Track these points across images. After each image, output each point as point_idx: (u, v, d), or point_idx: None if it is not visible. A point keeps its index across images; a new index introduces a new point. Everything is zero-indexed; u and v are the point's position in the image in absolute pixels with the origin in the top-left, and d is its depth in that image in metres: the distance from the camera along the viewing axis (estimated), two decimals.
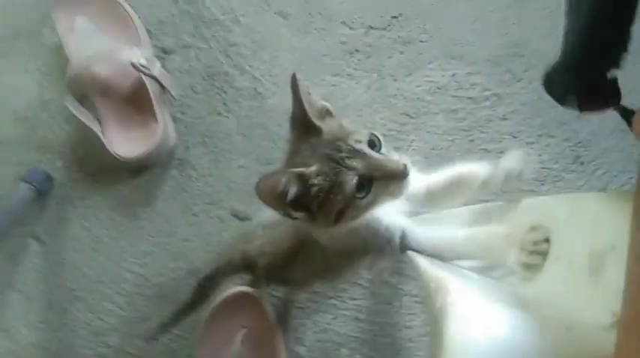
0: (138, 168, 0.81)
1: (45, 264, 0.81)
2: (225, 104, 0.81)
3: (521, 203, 0.48)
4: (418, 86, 0.78)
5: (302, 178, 0.38)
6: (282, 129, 0.78)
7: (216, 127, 0.80)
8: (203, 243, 0.78)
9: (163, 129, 0.76)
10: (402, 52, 0.80)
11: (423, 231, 0.46)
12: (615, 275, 0.30)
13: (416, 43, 0.79)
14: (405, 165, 0.39)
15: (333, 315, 0.74)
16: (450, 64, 0.78)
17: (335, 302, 0.74)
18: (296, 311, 0.75)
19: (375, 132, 0.41)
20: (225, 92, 0.81)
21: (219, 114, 0.81)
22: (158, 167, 0.80)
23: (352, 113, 0.79)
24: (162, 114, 0.77)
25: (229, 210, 0.78)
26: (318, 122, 0.39)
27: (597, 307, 0.31)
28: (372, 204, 0.39)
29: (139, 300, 0.79)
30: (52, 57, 0.86)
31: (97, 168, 0.82)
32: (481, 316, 0.34)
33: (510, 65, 0.77)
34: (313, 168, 0.38)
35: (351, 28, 0.81)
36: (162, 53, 0.84)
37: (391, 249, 0.45)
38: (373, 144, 0.40)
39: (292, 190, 0.38)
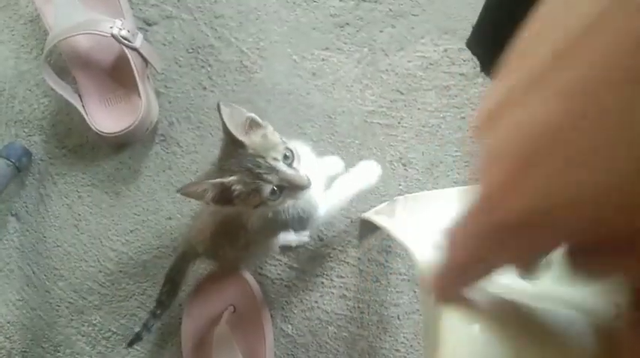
0: (120, 144, 0.79)
1: (24, 242, 0.80)
2: (210, 78, 0.79)
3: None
4: (410, 61, 0.77)
5: (222, 185, 0.48)
6: (271, 105, 0.77)
7: (201, 102, 0.79)
8: (187, 221, 0.77)
9: (146, 103, 0.74)
10: (393, 26, 0.78)
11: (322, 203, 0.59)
12: None
13: (408, 16, 0.77)
14: (308, 179, 0.50)
15: (320, 293, 0.74)
16: (443, 39, 0.77)
17: (322, 280, 0.74)
18: (283, 289, 0.74)
19: (289, 147, 0.50)
20: (210, 66, 0.79)
21: (205, 88, 0.79)
22: (141, 143, 0.79)
23: (342, 88, 0.77)
24: (145, 88, 0.75)
25: None
26: (242, 138, 0.48)
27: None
28: (281, 203, 0.50)
29: (122, 278, 0.78)
30: (29, 28, 0.83)
31: (77, 143, 0.81)
32: (481, 312, 0.33)
33: None
34: (234, 178, 0.48)
35: (341, 0, 0.79)
36: (145, 25, 0.81)
37: (309, 222, 0.58)
38: (287, 157, 0.49)
39: (209, 195, 0.48)
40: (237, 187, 0.48)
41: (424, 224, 0.58)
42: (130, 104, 0.75)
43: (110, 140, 0.76)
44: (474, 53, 0.53)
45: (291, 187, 0.49)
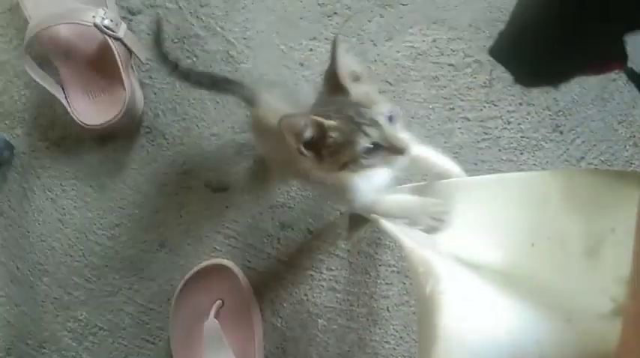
0: (105, 137, 0.79)
1: (7, 237, 0.80)
2: (196, 68, 0.79)
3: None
4: (398, 52, 0.78)
5: (321, 127, 0.45)
6: None
7: (187, 93, 0.79)
8: (174, 214, 0.78)
9: (131, 95, 0.74)
10: (381, 16, 0.79)
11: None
12: (615, 260, 0.29)
13: (396, 6, 0.78)
14: (408, 146, 0.46)
15: (309, 286, 0.75)
16: (432, 29, 0.78)
17: (311, 273, 0.75)
18: (272, 283, 0.75)
19: (397, 108, 0.47)
20: (196, 56, 0.80)
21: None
22: (126, 135, 0.79)
23: None
24: (129, 79, 0.75)
25: (202, 181, 0.77)
26: (347, 84, 0.45)
27: (596, 292, 0.31)
28: (371, 165, 0.47)
29: (108, 273, 0.78)
30: (7, 17, 0.83)
31: (60, 136, 0.80)
32: (475, 307, 0.33)
33: (493, 31, 0.77)
34: (333, 123, 0.45)
35: None
36: (129, 14, 0.81)
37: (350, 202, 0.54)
38: (391, 118, 0.46)
39: (307, 133, 0.45)
40: (334, 134, 0.45)
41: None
42: (113, 95, 0.75)
43: (94, 132, 0.77)
44: (499, 61, 0.50)
45: (390, 149, 0.45)
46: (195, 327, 0.71)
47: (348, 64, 0.47)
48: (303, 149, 0.46)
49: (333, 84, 0.46)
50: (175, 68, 0.67)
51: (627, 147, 0.75)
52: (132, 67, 0.78)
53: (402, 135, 0.46)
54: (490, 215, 0.47)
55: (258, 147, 0.74)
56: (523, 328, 0.31)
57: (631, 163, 0.75)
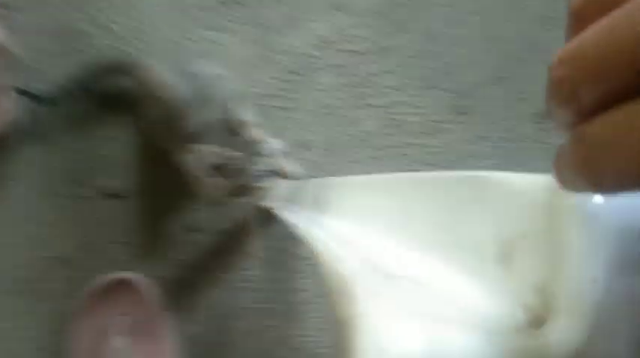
0: None
1: None
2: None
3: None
4: (301, 40, 0.77)
5: (221, 158, 0.57)
6: None
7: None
8: (69, 227, 0.72)
9: (6, 102, 0.67)
10: (284, 3, 0.77)
11: None
12: (528, 266, 0.30)
13: None
14: (289, 171, 0.60)
15: (224, 289, 0.72)
16: (334, 15, 0.77)
17: (225, 275, 0.72)
18: (184, 290, 0.72)
19: (274, 143, 0.60)
20: (83, 52, 0.74)
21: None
22: (5, 146, 0.72)
23: (233, 71, 0.75)
24: (3, 84, 0.68)
25: (97, 188, 0.72)
26: (237, 128, 0.59)
27: (511, 301, 0.31)
28: (261, 189, 0.58)
29: (4, 300, 0.71)
30: None
31: None
32: (394, 329, 0.32)
33: (395, 16, 0.78)
34: (229, 154, 0.57)
35: None
36: (1, 8, 0.74)
37: None
38: (272, 151, 0.60)
39: (210, 159, 0.58)
40: (231, 162, 0.57)
41: (328, 211, 0.58)
42: None
43: None
44: None
45: (275, 173, 0.58)
46: (101, 347, 0.66)
47: (236, 114, 0.59)
48: (205, 175, 0.57)
49: (227, 129, 0.58)
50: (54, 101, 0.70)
51: (527, 124, 0.78)
52: (9, 71, 0.71)
53: (284, 163, 0.59)
54: (402, 215, 0.46)
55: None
56: (445, 350, 0.30)
57: (531, 138, 0.78)
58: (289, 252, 0.73)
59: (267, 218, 0.72)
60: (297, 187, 0.67)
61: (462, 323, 0.33)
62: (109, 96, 0.74)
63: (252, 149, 0.58)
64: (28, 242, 0.72)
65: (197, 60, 0.67)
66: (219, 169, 0.58)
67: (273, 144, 0.61)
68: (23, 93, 0.70)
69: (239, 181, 0.58)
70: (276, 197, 0.67)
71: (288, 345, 0.72)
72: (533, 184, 0.36)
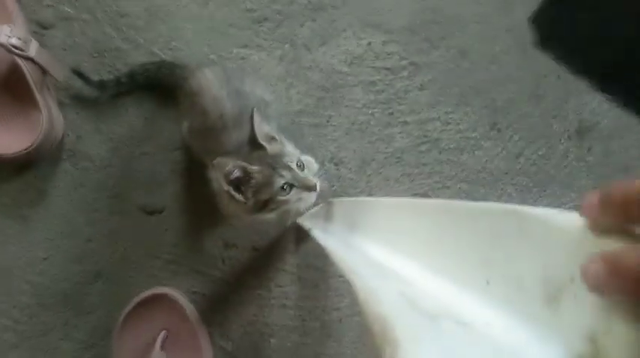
0: (23, 164, 0.73)
1: None
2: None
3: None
4: (333, 57, 0.77)
5: (245, 171, 0.56)
6: None
7: (112, 111, 0.74)
8: (108, 242, 0.73)
9: (48, 118, 0.69)
10: (314, 20, 0.77)
11: None
12: (577, 312, 0.28)
13: (328, 9, 0.77)
14: (315, 184, 0.59)
15: (258, 305, 0.73)
16: (365, 32, 0.77)
17: (260, 291, 0.73)
18: (220, 305, 0.73)
19: (301, 158, 0.60)
20: (118, 70, 0.75)
21: (114, 96, 0.75)
22: (47, 161, 0.74)
23: (266, 88, 0.76)
24: (45, 100, 0.70)
25: (135, 204, 0.74)
26: (264, 143, 0.58)
27: (560, 348, 0.29)
28: (286, 203, 0.58)
29: (40, 311, 0.73)
30: None
31: None
32: None
33: (427, 33, 0.77)
34: (256, 168, 0.56)
35: None
36: (40, 28, 0.75)
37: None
38: (299, 166, 0.59)
39: (235, 173, 0.56)
40: (256, 176, 0.56)
41: (362, 232, 0.57)
42: (29, 120, 0.70)
43: (10, 160, 0.71)
44: (536, 25, 0.53)
45: (300, 187, 0.58)
46: None
47: (263, 129, 0.59)
48: (231, 189, 0.56)
49: (253, 145, 0.58)
50: (103, 86, 0.72)
51: (562, 140, 0.77)
52: (47, 87, 0.72)
53: (310, 176, 0.59)
54: (439, 245, 0.44)
55: (185, 132, 0.70)
56: None
57: (567, 156, 0.78)
58: (324, 270, 0.73)
59: (302, 236, 0.73)
60: (329, 205, 0.68)
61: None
62: (150, 103, 0.75)
63: (276, 163, 0.57)
64: (67, 256, 0.74)
65: (246, 78, 0.67)
66: (244, 184, 0.56)
67: (301, 158, 0.61)
68: (77, 73, 0.72)
69: (264, 195, 0.57)
70: (309, 215, 0.68)
71: None
72: (579, 224, 0.33)
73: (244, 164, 0.56)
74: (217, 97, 0.62)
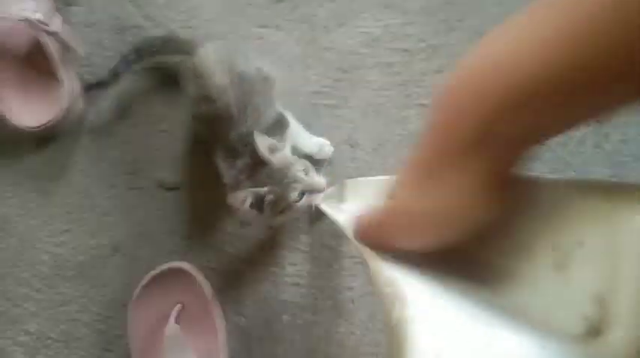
0: (45, 138, 0.75)
1: None
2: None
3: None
4: (351, 38, 0.77)
5: (259, 195, 0.60)
6: None
7: (131, 87, 0.76)
8: (126, 217, 0.75)
9: (70, 92, 0.71)
10: (332, 1, 0.78)
11: None
12: (586, 276, 0.29)
13: None
14: (323, 184, 0.64)
15: (272, 283, 0.75)
16: (384, 13, 0.77)
17: (274, 269, 0.75)
18: (234, 281, 0.75)
19: (307, 163, 0.64)
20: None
21: (135, 72, 0.76)
22: (68, 135, 0.76)
23: (283, 68, 0.77)
24: (67, 75, 0.71)
25: (153, 180, 0.75)
26: (269, 158, 0.60)
27: (568, 311, 0.30)
28: (302, 206, 0.63)
29: (58, 282, 0.76)
30: None
31: None
32: (448, 332, 0.31)
33: (445, 14, 0.78)
34: (267, 189, 0.60)
35: None
36: (63, 5, 0.77)
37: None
38: (304, 170, 0.63)
39: (249, 201, 0.60)
40: (269, 196, 0.60)
41: None
42: (51, 94, 0.72)
43: (32, 134, 0.73)
44: None
45: (312, 192, 0.63)
46: (156, 333, 0.69)
47: (265, 143, 0.61)
48: (251, 214, 0.61)
49: (262, 159, 0.60)
50: (116, 74, 0.73)
51: (585, 129, 0.77)
52: (69, 62, 0.74)
53: (316, 178, 0.63)
54: None
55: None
56: (500, 354, 0.30)
57: (584, 142, 0.77)
58: (337, 250, 0.74)
59: (317, 215, 0.74)
60: (343, 186, 0.69)
61: (517, 330, 0.32)
62: (164, 72, 0.76)
63: (285, 176, 0.60)
64: (86, 230, 0.76)
65: (249, 54, 0.68)
66: (256, 206, 0.60)
67: (305, 165, 0.64)
68: (90, 88, 0.73)
69: (280, 207, 0.61)
70: (324, 195, 0.69)
71: (333, 341, 0.74)
72: (591, 190, 0.34)
73: (254, 190, 0.60)
74: (221, 85, 0.62)
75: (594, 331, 0.29)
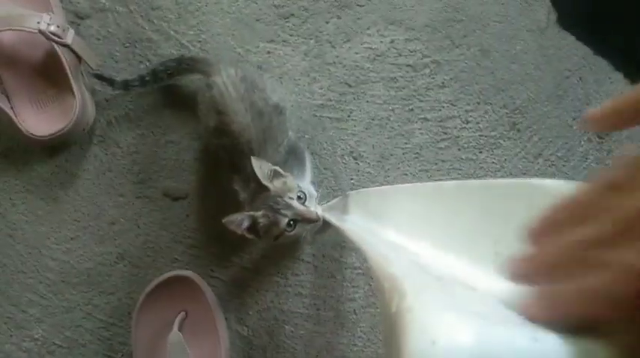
0: (55, 147, 0.77)
1: None
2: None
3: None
4: (357, 53, 0.79)
5: (253, 218, 0.62)
6: None
7: (140, 100, 0.78)
8: (132, 225, 0.77)
9: (81, 103, 0.73)
10: (339, 17, 0.80)
11: None
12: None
13: (353, 7, 0.79)
14: (317, 214, 0.63)
15: (275, 293, 0.76)
16: (389, 29, 0.80)
17: (277, 279, 0.76)
18: (237, 291, 0.76)
19: (303, 190, 0.64)
20: (149, 61, 0.79)
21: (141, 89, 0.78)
22: (78, 145, 0.78)
23: (289, 82, 0.79)
24: (79, 86, 0.74)
25: (160, 189, 0.77)
26: (267, 183, 0.62)
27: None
28: (295, 234, 0.64)
29: (64, 288, 0.77)
30: None
31: (8, 147, 0.78)
32: (444, 323, 0.32)
33: (449, 31, 0.80)
34: (260, 213, 0.62)
35: None
36: (77, 18, 0.80)
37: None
38: (300, 197, 0.63)
39: (245, 223, 0.62)
40: (262, 220, 0.62)
41: (378, 220, 0.60)
42: (63, 104, 0.74)
43: (44, 143, 0.75)
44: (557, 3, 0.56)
45: (303, 220, 0.63)
46: (159, 341, 0.70)
47: (264, 170, 0.62)
48: (245, 233, 0.62)
49: (259, 183, 0.62)
50: (127, 86, 0.75)
51: (582, 142, 0.78)
52: (82, 74, 0.77)
53: (310, 208, 0.63)
54: (451, 223, 0.47)
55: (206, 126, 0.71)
56: (494, 346, 0.31)
57: (586, 158, 0.79)
58: (340, 261, 0.75)
59: (320, 227, 0.75)
60: (346, 197, 0.70)
61: (510, 322, 0.33)
62: (175, 90, 0.78)
63: (278, 203, 0.61)
64: (92, 238, 0.77)
65: (265, 82, 0.69)
66: (254, 228, 0.62)
67: (302, 186, 0.65)
68: (99, 77, 0.75)
69: (274, 233, 0.63)
70: (327, 207, 0.71)
71: (335, 352, 0.75)
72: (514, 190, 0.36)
73: (250, 213, 0.62)
74: (244, 123, 0.64)
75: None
